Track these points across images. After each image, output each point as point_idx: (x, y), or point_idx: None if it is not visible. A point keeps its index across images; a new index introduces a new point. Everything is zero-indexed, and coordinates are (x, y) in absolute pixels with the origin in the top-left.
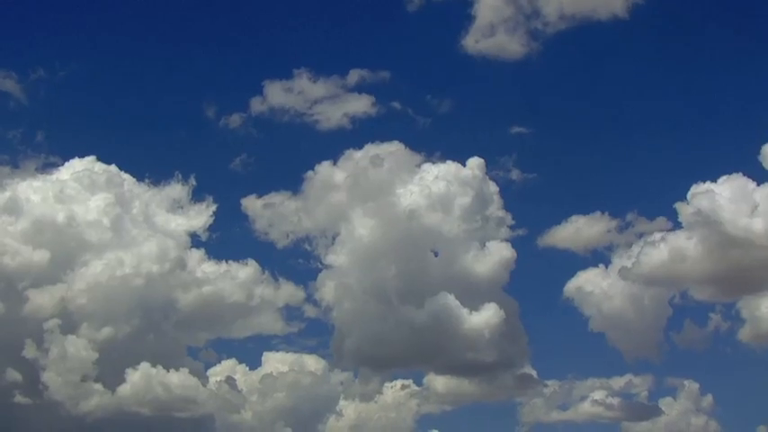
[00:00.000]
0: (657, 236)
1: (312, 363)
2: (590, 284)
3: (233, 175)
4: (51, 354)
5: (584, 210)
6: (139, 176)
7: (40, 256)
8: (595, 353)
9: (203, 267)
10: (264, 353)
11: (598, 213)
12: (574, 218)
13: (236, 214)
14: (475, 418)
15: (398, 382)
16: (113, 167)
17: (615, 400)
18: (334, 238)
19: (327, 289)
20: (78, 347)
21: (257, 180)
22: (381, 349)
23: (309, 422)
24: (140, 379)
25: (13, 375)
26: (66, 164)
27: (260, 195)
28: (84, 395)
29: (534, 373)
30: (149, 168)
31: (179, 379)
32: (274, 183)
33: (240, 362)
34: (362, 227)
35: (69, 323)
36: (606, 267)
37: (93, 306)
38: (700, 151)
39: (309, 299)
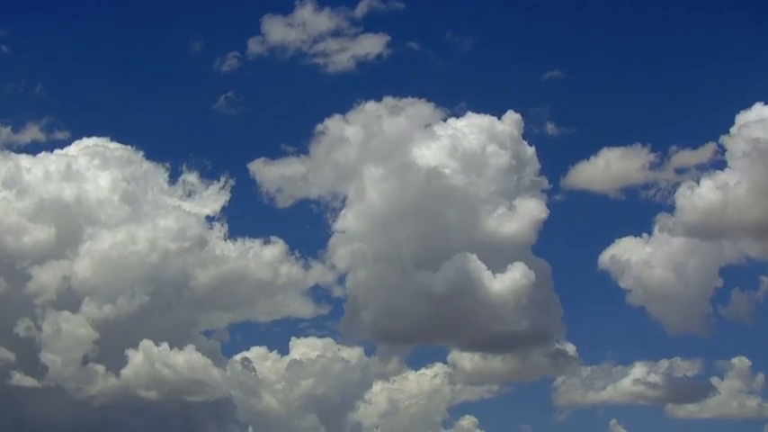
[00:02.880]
0: (700, 176)
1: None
2: (627, 253)
3: (237, 135)
4: (54, 333)
5: (620, 142)
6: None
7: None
8: (635, 327)
9: (221, 245)
10: (292, 338)
11: (638, 146)
12: (605, 151)
13: (246, 182)
14: (507, 402)
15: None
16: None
17: (658, 379)
18: (344, 201)
19: (339, 256)
20: (77, 325)
21: (263, 139)
22: (399, 322)
23: (337, 410)
24: (147, 360)
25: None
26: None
27: (268, 158)
28: (87, 377)
29: (568, 349)
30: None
31: (190, 360)
32: (281, 140)
33: (267, 347)
34: (378, 188)
35: (74, 301)
36: (647, 223)
37: (102, 284)
38: (748, 68)
39: (340, 281)
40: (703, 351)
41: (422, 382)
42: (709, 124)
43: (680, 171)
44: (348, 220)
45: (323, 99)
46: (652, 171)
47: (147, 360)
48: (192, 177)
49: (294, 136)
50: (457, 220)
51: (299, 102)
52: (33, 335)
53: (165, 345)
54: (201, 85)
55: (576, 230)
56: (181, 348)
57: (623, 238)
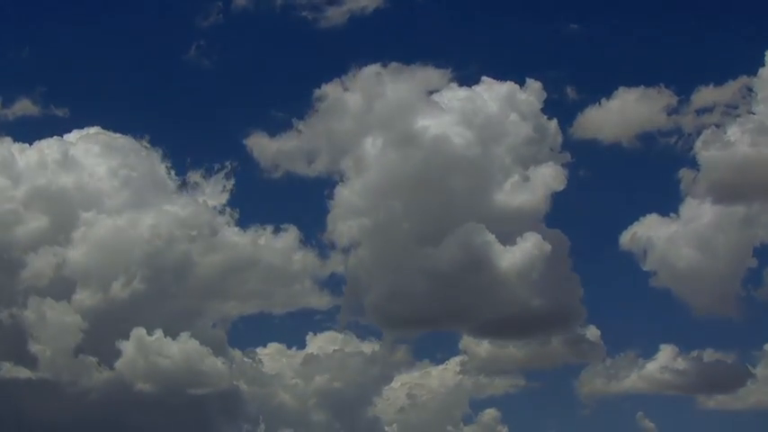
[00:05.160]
0: (725, 121)
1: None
2: (651, 230)
3: (228, 103)
4: (46, 322)
5: (637, 82)
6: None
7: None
8: (661, 310)
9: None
10: (309, 333)
11: (660, 86)
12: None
13: (245, 161)
14: (528, 394)
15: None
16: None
17: (687, 368)
18: (345, 174)
19: (339, 234)
20: (66, 313)
21: (255, 107)
22: (405, 304)
23: (352, 405)
24: (150, 350)
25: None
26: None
27: (264, 131)
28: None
29: (591, 334)
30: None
31: (194, 352)
32: (273, 107)
33: (281, 341)
34: (380, 159)
35: (67, 288)
36: (669, 185)
37: (99, 272)
38: None
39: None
40: (734, 336)
41: (440, 375)
42: (735, 62)
43: (702, 111)
44: (349, 195)
45: (316, 61)
46: (672, 115)
47: (151, 350)
48: (196, 176)
49: (288, 103)
50: (466, 192)
51: (290, 64)
52: (23, 323)
53: (172, 335)
54: (181, 42)
55: (595, 204)
56: (182, 339)
57: (647, 216)
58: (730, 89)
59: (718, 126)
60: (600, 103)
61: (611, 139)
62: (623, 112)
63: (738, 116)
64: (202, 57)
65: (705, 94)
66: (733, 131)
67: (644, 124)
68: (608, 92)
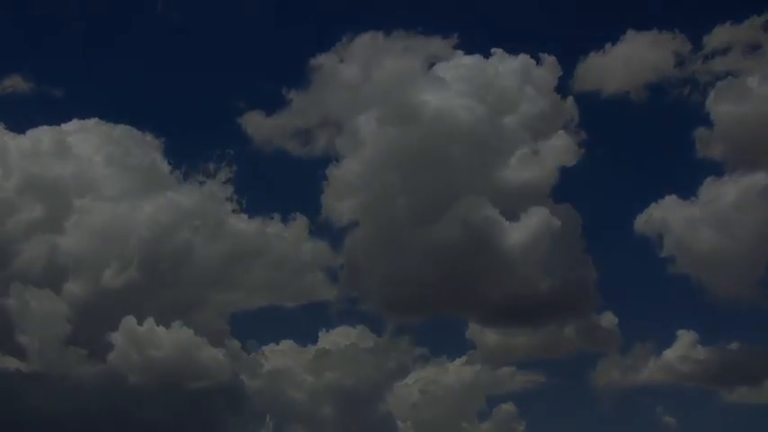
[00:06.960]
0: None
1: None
2: (667, 211)
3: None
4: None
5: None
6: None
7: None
8: (680, 295)
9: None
10: (321, 327)
11: (675, 30)
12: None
13: (242, 143)
14: (544, 387)
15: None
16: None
17: (708, 358)
18: (344, 151)
19: (337, 214)
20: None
21: (249, 82)
22: (407, 289)
23: (364, 402)
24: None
25: None
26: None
27: (258, 108)
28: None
29: (607, 322)
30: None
31: (196, 345)
32: (265, 78)
33: (292, 336)
34: (378, 134)
35: (61, 277)
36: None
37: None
38: None
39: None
40: (759, 324)
41: (453, 370)
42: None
43: (717, 53)
44: (345, 174)
45: (307, 29)
46: (684, 64)
47: (146, 341)
48: (195, 164)
49: (281, 74)
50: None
51: (281, 32)
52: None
53: (176, 327)
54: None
55: (608, 181)
56: (180, 330)
57: (665, 198)
58: (747, 31)
59: (735, 76)
60: (603, 50)
61: (615, 89)
62: (630, 60)
63: (760, 60)
64: (174, 11)
65: (721, 33)
66: (752, 80)
67: (651, 74)
68: (615, 37)
